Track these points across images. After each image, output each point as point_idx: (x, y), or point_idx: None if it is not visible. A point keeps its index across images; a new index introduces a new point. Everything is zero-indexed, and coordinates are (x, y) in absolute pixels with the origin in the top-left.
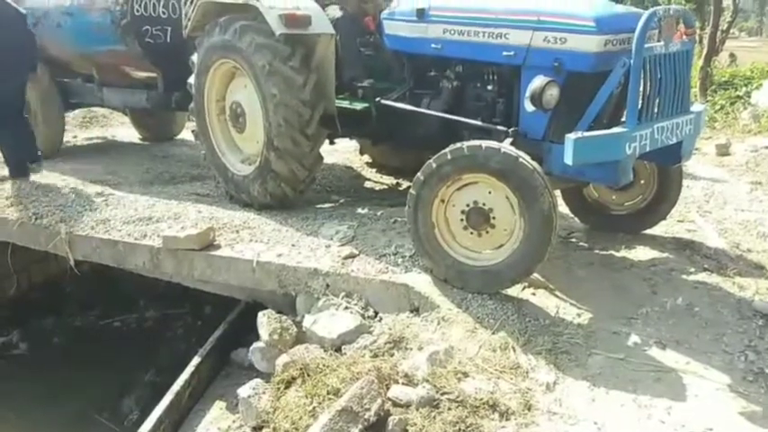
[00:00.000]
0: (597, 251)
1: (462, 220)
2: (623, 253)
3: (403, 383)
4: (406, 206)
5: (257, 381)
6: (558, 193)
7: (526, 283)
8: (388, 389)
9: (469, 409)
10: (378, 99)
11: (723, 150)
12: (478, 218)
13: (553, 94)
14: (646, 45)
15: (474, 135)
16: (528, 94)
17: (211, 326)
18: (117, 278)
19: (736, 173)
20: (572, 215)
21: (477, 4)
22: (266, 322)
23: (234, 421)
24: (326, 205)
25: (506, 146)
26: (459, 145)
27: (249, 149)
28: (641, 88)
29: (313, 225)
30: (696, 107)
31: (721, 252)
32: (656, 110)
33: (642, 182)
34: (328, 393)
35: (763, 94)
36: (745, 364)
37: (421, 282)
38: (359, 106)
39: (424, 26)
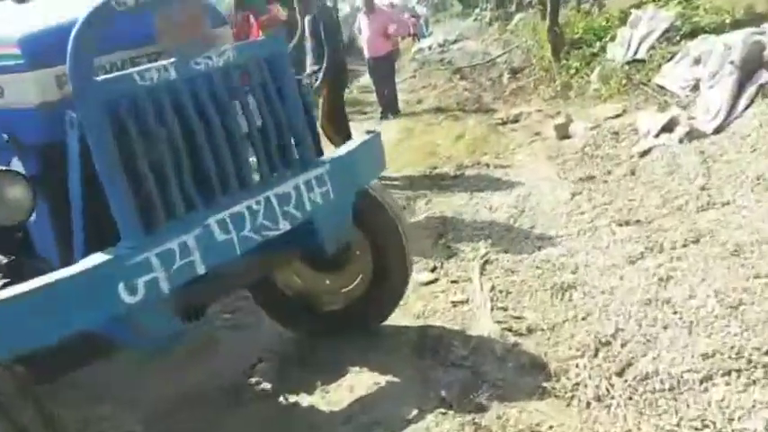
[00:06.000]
0: None
1: None
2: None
3: None
4: None
5: None
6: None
7: None
8: None
9: None
10: None
11: (563, 132)
12: None
13: None
14: (115, 75)
15: None
16: None
17: None
18: None
19: (567, 166)
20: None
21: None
22: None
23: None
24: None
25: None
26: None
27: None
28: (138, 161)
29: None
30: (341, 151)
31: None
32: (191, 195)
33: (358, 252)
34: None
35: (618, 45)
36: None
37: None
38: None
39: None
